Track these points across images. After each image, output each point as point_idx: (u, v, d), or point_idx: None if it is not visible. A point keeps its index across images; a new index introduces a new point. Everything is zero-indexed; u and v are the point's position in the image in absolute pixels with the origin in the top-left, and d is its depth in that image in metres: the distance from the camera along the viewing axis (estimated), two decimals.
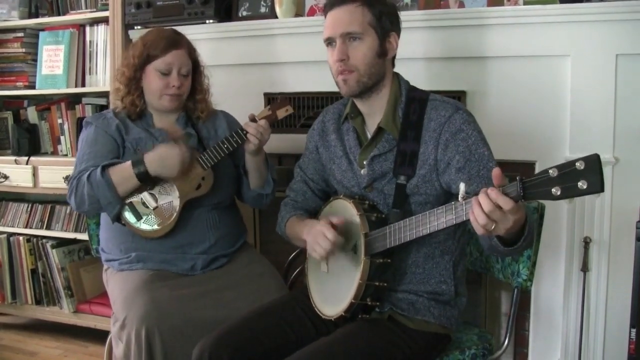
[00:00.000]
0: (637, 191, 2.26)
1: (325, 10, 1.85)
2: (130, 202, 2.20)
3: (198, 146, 2.31)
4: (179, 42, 2.27)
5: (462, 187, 1.45)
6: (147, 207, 2.21)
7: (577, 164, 1.21)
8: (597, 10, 2.20)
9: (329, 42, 1.82)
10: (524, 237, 1.50)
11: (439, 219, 1.54)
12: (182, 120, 2.36)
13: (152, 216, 2.21)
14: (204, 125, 2.39)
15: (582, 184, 1.20)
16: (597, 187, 1.19)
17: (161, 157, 2.12)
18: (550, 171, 1.25)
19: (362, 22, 1.77)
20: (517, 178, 1.32)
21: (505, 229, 1.40)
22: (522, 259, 1.92)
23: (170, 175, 2.15)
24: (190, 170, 2.19)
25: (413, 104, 1.82)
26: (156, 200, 2.21)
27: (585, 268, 2.34)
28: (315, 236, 1.76)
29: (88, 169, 2.15)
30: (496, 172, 1.38)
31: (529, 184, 1.30)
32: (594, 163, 1.20)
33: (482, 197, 1.37)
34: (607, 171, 2.21)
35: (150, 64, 2.23)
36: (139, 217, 2.20)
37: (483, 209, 1.37)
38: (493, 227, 1.38)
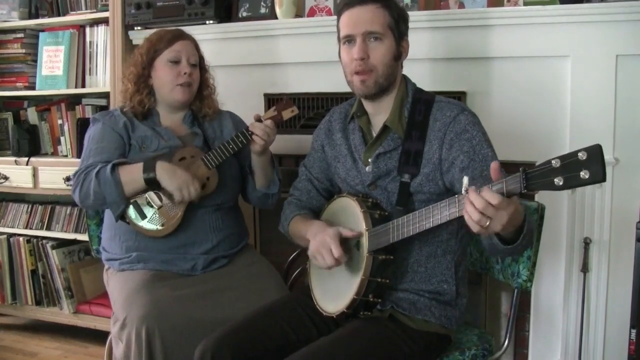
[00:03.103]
0: (637, 192, 2.27)
1: (343, 8, 1.84)
2: (135, 200, 2.20)
3: (203, 145, 2.32)
4: (184, 34, 2.33)
5: (465, 180, 1.46)
6: (152, 206, 2.21)
7: (580, 154, 1.22)
8: (597, 10, 2.21)
9: (349, 39, 1.82)
10: (522, 235, 1.50)
11: (442, 212, 1.54)
12: (188, 120, 2.37)
13: (157, 215, 2.20)
14: (210, 125, 2.40)
15: (584, 174, 1.21)
16: (599, 176, 1.21)
17: (174, 171, 2.14)
18: (553, 162, 1.26)
19: (383, 23, 1.79)
20: (520, 169, 1.33)
21: (501, 224, 1.40)
22: (522, 260, 1.92)
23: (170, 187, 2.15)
24: (194, 171, 2.20)
25: (419, 104, 1.84)
26: (161, 200, 2.21)
27: (585, 269, 2.34)
28: (321, 246, 1.77)
29: (95, 164, 2.16)
30: (494, 165, 1.40)
31: (532, 175, 1.31)
32: (596, 153, 1.21)
33: (472, 195, 1.39)
34: (607, 171, 2.20)
35: (159, 57, 2.27)
36: (143, 216, 2.20)
37: (475, 205, 1.38)
38: (487, 223, 1.39)
